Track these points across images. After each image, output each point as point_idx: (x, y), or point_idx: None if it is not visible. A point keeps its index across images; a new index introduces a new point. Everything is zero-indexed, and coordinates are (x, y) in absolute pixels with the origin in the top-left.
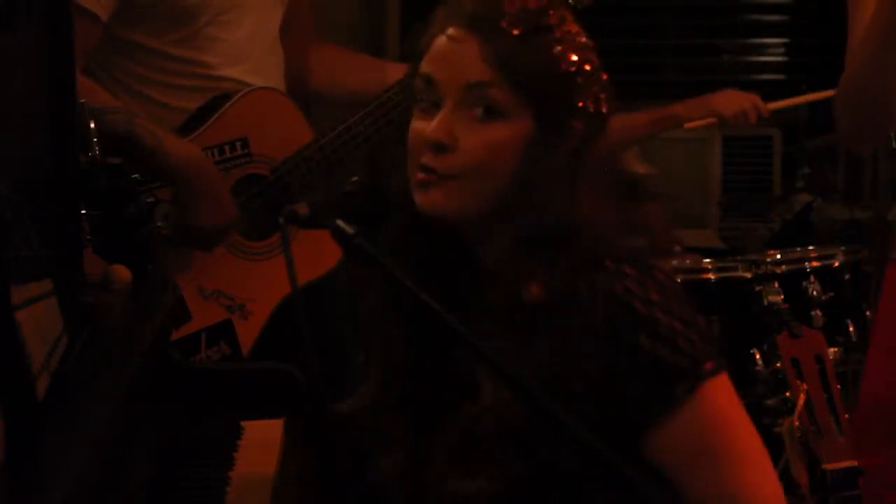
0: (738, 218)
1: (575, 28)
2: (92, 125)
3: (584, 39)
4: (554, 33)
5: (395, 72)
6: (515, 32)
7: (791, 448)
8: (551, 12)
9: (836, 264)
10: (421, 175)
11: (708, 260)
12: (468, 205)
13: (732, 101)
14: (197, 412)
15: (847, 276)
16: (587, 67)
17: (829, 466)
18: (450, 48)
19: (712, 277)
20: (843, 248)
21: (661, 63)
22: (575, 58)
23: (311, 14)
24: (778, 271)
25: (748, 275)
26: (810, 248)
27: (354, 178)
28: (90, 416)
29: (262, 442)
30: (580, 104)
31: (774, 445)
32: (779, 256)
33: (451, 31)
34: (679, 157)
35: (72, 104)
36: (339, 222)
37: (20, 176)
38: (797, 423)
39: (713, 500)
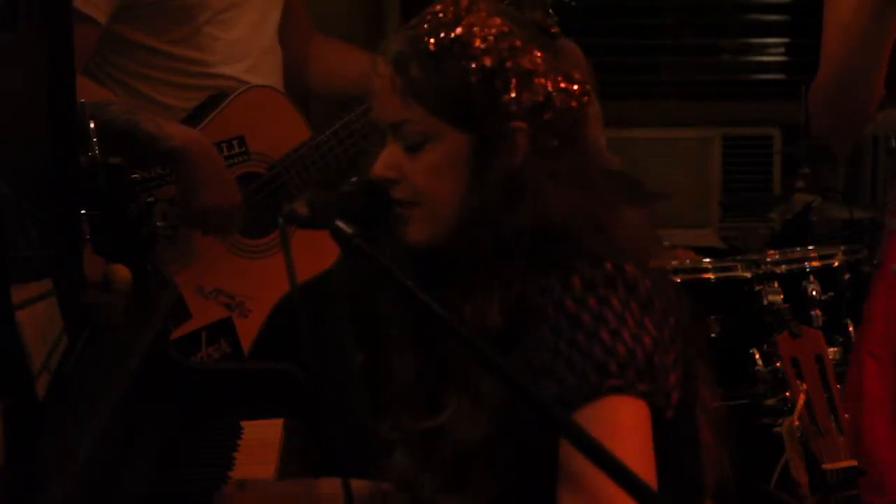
0: (738, 218)
1: (493, 30)
2: (91, 125)
3: (503, 41)
4: (463, 45)
5: None
6: (426, 53)
7: (791, 448)
8: (463, 23)
9: (836, 264)
10: (396, 210)
11: (708, 260)
12: (438, 229)
13: None
14: (197, 412)
15: (847, 276)
16: (508, 65)
17: (828, 466)
18: (377, 86)
19: (712, 277)
20: (843, 248)
21: (661, 63)
22: (487, 62)
23: (306, 9)
24: (778, 271)
25: (748, 275)
26: (810, 248)
27: (354, 178)
28: (90, 416)
29: (262, 442)
30: (508, 104)
31: (774, 445)
32: (779, 256)
33: (381, 68)
34: (679, 157)
35: (72, 104)
36: (339, 222)
37: (20, 176)
38: (797, 423)
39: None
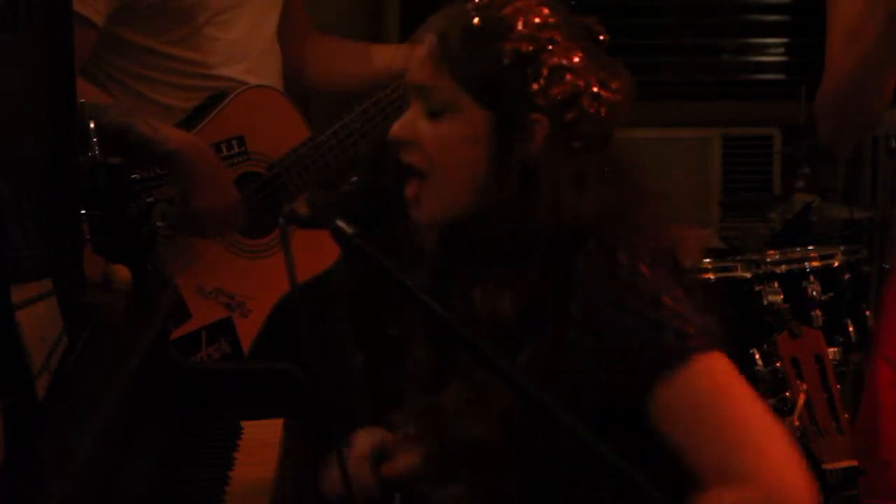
0: (738, 218)
1: (537, 19)
2: (91, 125)
3: (544, 32)
4: (505, 26)
5: (390, 56)
6: (468, 26)
7: None
8: (512, 6)
9: (836, 264)
10: (407, 190)
11: (708, 260)
12: (445, 208)
13: None
14: (197, 412)
15: (847, 276)
16: (544, 56)
17: (829, 466)
18: (419, 50)
19: (712, 277)
20: (842, 248)
21: (661, 63)
22: (523, 48)
23: (306, 9)
24: (778, 271)
25: (748, 275)
26: (810, 248)
27: (354, 178)
28: (90, 416)
29: (262, 442)
30: (535, 93)
31: None
32: (778, 256)
33: (429, 35)
34: (679, 157)
35: (72, 104)
36: (339, 222)
37: (20, 176)
38: (797, 423)
39: (720, 473)
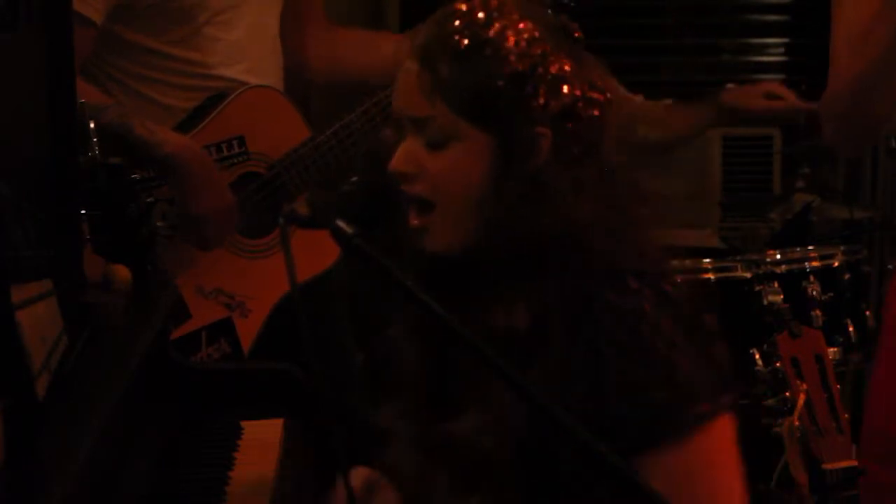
0: (738, 218)
1: (525, 34)
2: (91, 125)
3: (535, 47)
4: (495, 47)
5: (393, 44)
6: (456, 52)
7: (791, 448)
8: (496, 25)
9: (836, 264)
10: (412, 221)
11: (708, 260)
12: (456, 236)
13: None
14: (197, 412)
15: (847, 276)
16: (539, 71)
17: (828, 466)
18: (401, 80)
19: (712, 277)
20: (842, 248)
21: (661, 63)
22: (519, 66)
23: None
24: (778, 271)
25: (748, 275)
26: (810, 248)
27: (354, 178)
28: (90, 416)
29: (262, 442)
30: (536, 109)
31: (774, 445)
32: (778, 256)
33: (407, 62)
34: (679, 157)
35: (72, 104)
36: (339, 222)
37: (20, 176)
38: (797, 423)
39: None
